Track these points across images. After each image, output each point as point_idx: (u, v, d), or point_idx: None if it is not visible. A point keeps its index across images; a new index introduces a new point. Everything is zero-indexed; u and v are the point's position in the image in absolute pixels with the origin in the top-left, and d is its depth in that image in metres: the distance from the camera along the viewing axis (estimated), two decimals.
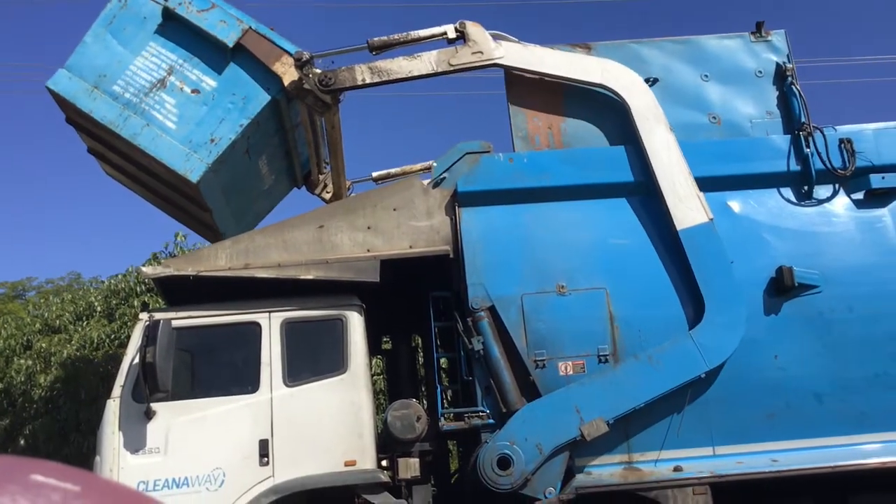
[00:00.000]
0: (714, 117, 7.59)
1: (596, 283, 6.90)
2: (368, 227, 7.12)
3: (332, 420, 6.54)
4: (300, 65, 7.06)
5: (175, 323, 6.57)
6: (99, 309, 14.30)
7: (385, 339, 9.22)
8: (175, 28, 7.45)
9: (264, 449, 6.40)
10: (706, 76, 7.72)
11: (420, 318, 7.51)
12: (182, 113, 7.23)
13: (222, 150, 7.13)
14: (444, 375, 8.19)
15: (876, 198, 7.29)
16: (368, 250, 7.04)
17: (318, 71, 7.12)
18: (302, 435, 6.48)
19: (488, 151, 7.35)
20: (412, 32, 7.50)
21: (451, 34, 7.47)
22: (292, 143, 8.30)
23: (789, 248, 7.07)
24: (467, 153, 7.34)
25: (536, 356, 6.71)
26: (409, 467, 6.64)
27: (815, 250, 7.11)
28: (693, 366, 6.61)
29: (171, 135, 7.16)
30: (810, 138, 7.31)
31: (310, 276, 6.91)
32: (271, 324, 6.79)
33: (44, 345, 13.65)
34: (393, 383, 8.54)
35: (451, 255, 7.05)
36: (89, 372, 12.70)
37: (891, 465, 6.64)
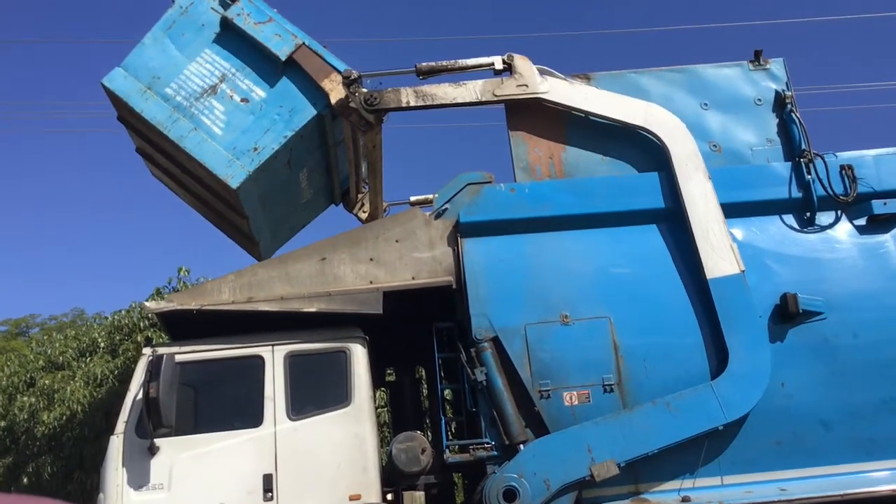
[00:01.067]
0: (714, 145, 7.61)
1: (599, 312, 6.88)
2: (371, 259, 7.13)
3: (336, 454, 6.50)
4: (348, 83, 7.21)
5: (178, 357, 6.56)
6: (102, 345, 14.26)
7: (389, 371, 9.19)
8: (231, 38, 7.64)
9: (268, 484, 6.35)
10: (706, 104, 7.77)
11: (424, 349, 7.48)
12: (229, 120, 7.39)
13: (264, 159, 7.24)
14: (448, 407, 8.15)
15: (878, 223, 7.29)
16: (371, 282, 7.05)
17: (365, 90, 7.23)
18: (306, 469, 6.44)
19: (490, 182, 7.38)
20: (460, 61, 7.65)
21: (499, 65, 7.58)
22: (333, 159, 8.41)
23: (793, 274, 7.06)
24: (469, 184, 7.37)
25: (541, 386, 6.68)
26: (415, 500, 6.56)
27: (819, 277, 7.10)
28: (711, 417, 6.55)
29: (217, 140, 7.31)
30: (811, 165, 7.34)
31: (312, 309, 6.90)
32: (274, 357, 6.77)
33: (47, 382, 13.58)
34: (397, 416, 8.49)
35: (454, 286, 7.05)
36: (93, 408, 12.64)
37: None
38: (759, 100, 7.82)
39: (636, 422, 6.56)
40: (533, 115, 7.63)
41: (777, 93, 7.81)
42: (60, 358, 14.31)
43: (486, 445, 6.66)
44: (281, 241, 9.10)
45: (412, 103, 7.44)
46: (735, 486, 6.60)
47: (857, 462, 6.69)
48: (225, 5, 7.68)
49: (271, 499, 6.31)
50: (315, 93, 7.41)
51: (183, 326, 7.11)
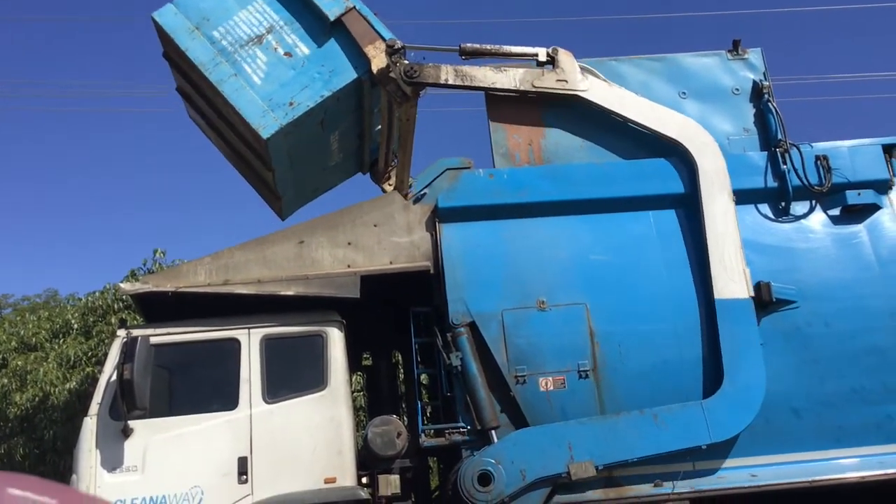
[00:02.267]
0: None
1: (576, 299, 6.92)
2: (349, 243, 7.13)
3: (311, 437, 6.51)
4: (391, 52, 7.16)
5: (153, 339, 6.53)
6: (76, 326, 14.16)
7: (365, 356, 9.19)
8: None
9: (243, 466, 6.34)
10: (684, 93, 7.81)
11: (401, 334, 7.49)
12: (270, 71, 7.36)
13: (298, 114, 7.20)
14: (424, 392, 8.17)
15: (852, 214, 7.38)
16: (349, 266, 7.04)
17: (406, 62, 7.18)
18: (281, 452, 6.44)
19: (469, 167, 7.40)
20: (504, 46, 7.64)
21: (542, 57, 7.59)
22: (367, 127, 8.39)
23: (767, 263, 7.13)
24: (448, 169, 7.39)
25: (517, 372, 6.72)
26: (390, 484, 6.60)
27: (793, 266, 7.18)
28: (697, 436, 6.59)
29: (255, 89, 7.28)
30: (787, 155, 7.41)
31: (290, 292, 6.89)
32: (251, 340, 6.76)
33: (20, 363, 13.46)
34: (373, 400, 8.50)
35: (432, 271, 7.07)
36: (66, 390, 12.56)
37: (869, 480, 6.69)
38: (737, 89, 7.88)
39: (621, 428, 6.60)
40: (513, 101, 7.63)
41: (755, 83, 7.87)
42: (33, 339, 14.20)
43: (461, 430, 6.70)
44: (303, 201, 9.13)
45: (451, 81, 7.43)
46: (707, 472, 6.68)
47: (826, 449, 6.80)
48: None
49: (246, 481, 6.31)
50: (358, 57, 7.39)
51: (158, 309, 7.08)
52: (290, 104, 7.20)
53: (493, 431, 6.62)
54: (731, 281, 6.92)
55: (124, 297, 12.46)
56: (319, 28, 7.49)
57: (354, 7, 7.48)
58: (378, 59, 7.21)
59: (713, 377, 6.82)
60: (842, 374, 6.93)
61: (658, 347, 6.87)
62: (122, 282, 11.55)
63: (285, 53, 7.44)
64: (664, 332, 6.92)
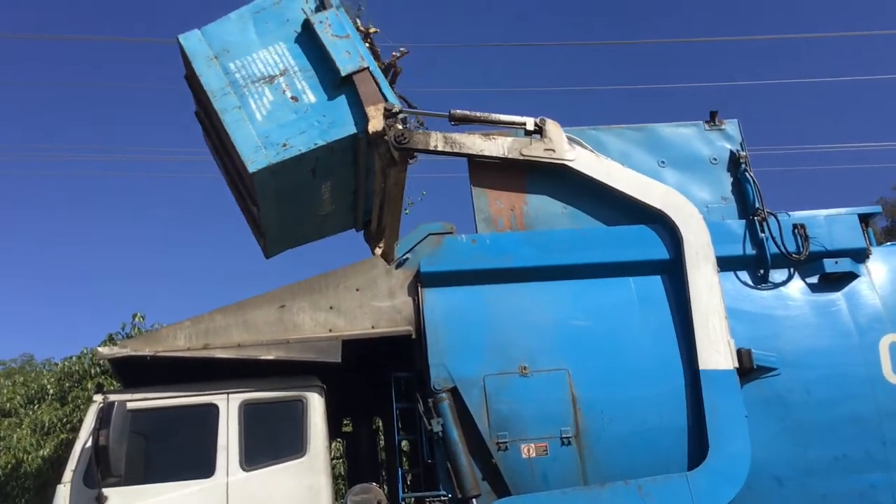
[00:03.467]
0: None
1: (558, 364, 6.90)
2: (331, 308, 7.10)
3: None
4: (388, 115, 7.31)
5: (130, 405, 6.42)
6: (51, 391, 13.99)
7: (346, 422, 9.08)
8: (307, 40, 7.91)
9: None
10: (663, 162, 7.94)
11: (382, 399, 7.43)
12: (273, 111, 7.57)
13: (288, 157, 7.33)
14: (404, 458, 8.06)
15: (830, 282, 7.45)
16: (330, 330, 7.01)
17: (400, 127, 7.31)
18: None
19: (451, 232, 7.44)
20: (493, 115, 7.79)
21: (530, 126, 7.70)
22: (362, 184, 8.47)
23: (747, 330, 7.15)
24: (430, 234, 7.41)
25: (499, 438, 6.65)
26: None
27: (773, 333, 7.21)
28: None
29: (254, 124, 7.47)
30: (765, 223, 7.51)
31: (270, 357, 6.83)
32: (229, 406, 6.66)
33: None
34: (353, 467, 8.38)
35: (414, 336, 7.03)
36: (39, 457, 12.30)
37: None
38: (715, 159, 8.02)
39: (605, 499, 6.51)
40: (495, 168, 7.72)
41: (732, 152, 8.01)
42: (8, 405, 14.02)
43: (442, 498, 6.59)
44: (290, 244, 9.23)
45: (440, 148, 7.54)
46: None
47: None
48: (316, 9, 8.02)
49: None
50: (360, 115, 7.55)
51: (136, 373, 6.98)
52: (284, 145, 7.37)
53: (474, 500, 6.51)
54: (716, 352, 6.93)
55: (102, 361, 12.32)
56: (331, 80, 7.72)
57: (368, 68, 7.69)
58: (375, 121, 7.35)
59: (697, 446, 6.77)
60: (824, 442, 6.90)
61: (641, 414, 6.83)
62: (99, 346, 11.46)
63: (292, 97, 7.64)
64: (647, 399, 6.89)
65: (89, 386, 13.09)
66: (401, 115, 7.40)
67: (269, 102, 7.62)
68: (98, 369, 13.46)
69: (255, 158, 7.29)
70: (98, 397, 6.56)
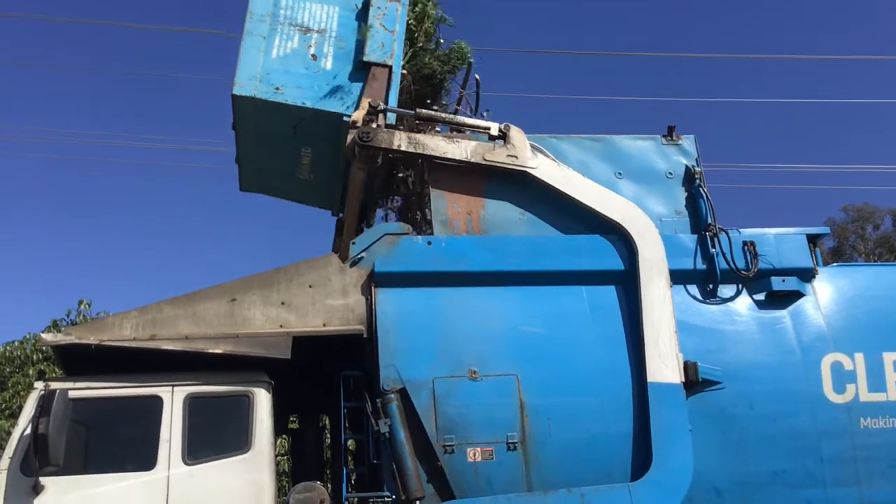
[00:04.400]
0: None
1: (507, 370, 6.92)
2: (282, 303, 7.04)
3: (231, 501, 6.30)
4: (370, 111, 7.38)
5: (72, 394, 6.28)
6: None
7: (292, 419, 9.01)
8: (357, 16, 8.21)
9: None
10: (620, 174, 8.02)
11: (329, 397, 7.38)
12: (288, 57, 7.85)
13: (273, 100, 7.57)
14: (350, 458, 8.02)
15: (777, 299, 7.58)
16: (281, 326, 6.94)
17: (373, 126, 7.35)
18: None
19: (407, 233, 7.42)
20: (458, 117, 8.02)
21: (494, 131, 7.71)
22: (341, 170, 8.44)
23: (694, 343, 7.25)
24: (386, 234, 7.39)
25: (445, 441, 6.65)
26: None
27: (719, 347, 7.32)
28: None
29: (265, 58, 7.75)
30: (716, 239, 7.62)
31: (218, 350, 6.73)
32: (174, 398, 6.55)
33: None
34: (297, 464, 8.31)
35: (365, 336, 7.00)
36: None
37: None
38: (671, 173, 8.12)
39: None
40: (455, 171, 7.73)
41: (687, 168, 8.13)
42: None
43: (385, 499, 6.57)
44: (265, 189, 9.51)
45: (403, 147, 7.50)
46: None
47: None
48: None
49: None
50: (357, 103, 7.68)
51: (80, 362, 6.84)
52: (277, 89, 7.61)
53: (418, 502, 6.50)
54: (665, 366, 7.01)
55: (45, 348, 12.06)
56: (354, 60, 7.95)
57: (390, 66, 7.88)
58: (358, 113, 7.43)
59: (641, 457, 6.85)
60: (764, 456, 7.03)
61: (586, 422, 6.88)
62: (43, 332, 11.22)
63: (312, 55, 7.89)
64: (593, 407, 6.94)
65: (31, 372, 12.84)
66: (379, 110, 7.45)
67: (291, 49, 7.87)
68: (40, 356, 13.21)
69: (244, 84, 7.54)
70: (39, 384, 6.43)
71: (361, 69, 7.84)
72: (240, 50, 7.67)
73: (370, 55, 7.84)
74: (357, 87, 7.79)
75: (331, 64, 7.90)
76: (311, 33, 7.98)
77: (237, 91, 7.49)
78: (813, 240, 7.91)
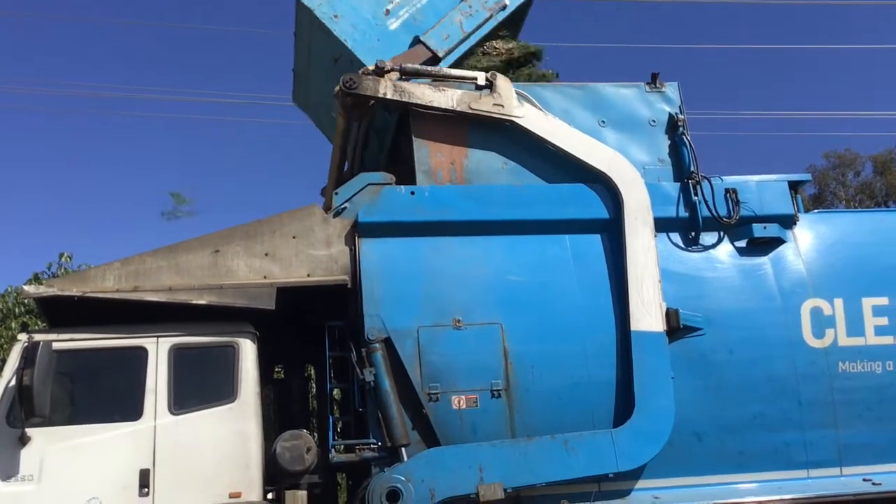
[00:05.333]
0: None
1: (491, 318, 6.97)
2: (266, 254, 7.02)
3: (217, 450, 6.36)
4: (377, 67, 7.48)
5: (56, 345, 6.28)
6: None
7: (277, 369, 9.06)
8: (449, 3, 8.39)
9: (145, 479, 6.16)
10: (603, 122, 7.98)
11: (315, 347, 7.42)
12: None
13: (325, 21, 7.94)
14: (336, 407, 8.09)
15: (758, 246, 7.64)
16: (265, 277, 6.94)
17: (359, 76, 7.39)
18: (185, 465, 6.27)
19: (390, 183, 7.39)
20: (444, 69, 7.94)
21: (481, 81, 7.67)
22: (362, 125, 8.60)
23: (676, 290, 7.32)
24: (369, 184, 7.35)
25: (430, 389, 6.72)
26: (297, 500, 6.48)
27: (700, 294, 7.39)
28: (604, 464, 6.69)
29: None
30: (698, 186, 7.63)
31: (202, 301, 6.73)
32: (159, 349, 6.57)
33: None
34: (284, 414, 8.38)
35: (349, 286, 7.01)
36: None
37: None
38: (654, 121, 8.09)
39: (532, 452, 6.64)
40: (438, 120, 7.67)
41: (670, 115, 8.09)
42: None
43: (371, 446, 6.65)
44: (308, 110, 9.91)
45: (388, 96, 7.46)
46: (612, 494, 6.82)
47: (727, 473, 7.02)
48: None
49: (147, 494, 6.13)
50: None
51: (63, 314, 6.82)
52: (335, 16, 7.96)
53: (403, 449, 6.59)
54: (648, 314, 7.07)
55: (27, 300, 12.00)
56: (417, 32, 8.16)
57: (441, 57, 8.06)
58: (372, 67, 7.53)
59: (624, 403, 6.95)
60: (743, 401, 7.15)
61: (570, 369, 6.97)
62: (24, 284, 11.15)
63: (386, 10, 8.27)
64: (576, 355, 7.02)
65: (14, 325, 12.81)
66: (388, 71, 7.49)
67: None
68: (23, 308, 13.15)
69: None
70: (23, 336, 6.43)
71: (413, 44, 7.97)
72: None
73: (430, 38, 7.98)
74: (399, 52, 7.90)
75: (396, 25, 8.08)
76: None
77: (305, 2, 7.78)
78: (794, 186, 7.95)
